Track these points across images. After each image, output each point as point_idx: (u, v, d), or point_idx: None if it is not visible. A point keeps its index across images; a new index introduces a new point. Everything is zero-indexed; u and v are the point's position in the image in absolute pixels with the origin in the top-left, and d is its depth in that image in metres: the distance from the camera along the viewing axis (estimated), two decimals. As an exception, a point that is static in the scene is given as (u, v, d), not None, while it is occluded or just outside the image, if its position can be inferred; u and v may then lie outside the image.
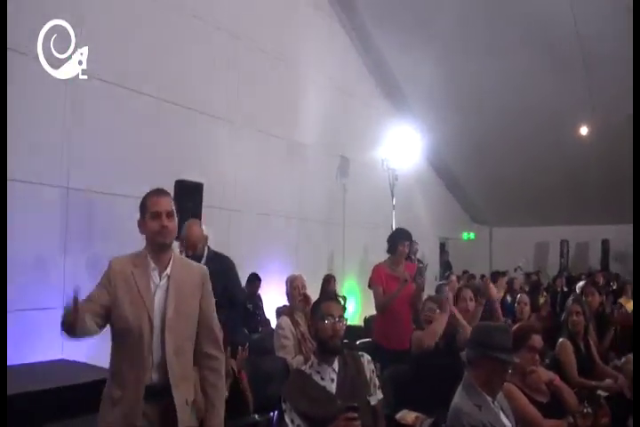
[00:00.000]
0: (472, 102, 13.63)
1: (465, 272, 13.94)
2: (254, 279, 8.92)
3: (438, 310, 5.01)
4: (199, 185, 7.64)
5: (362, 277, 10.85)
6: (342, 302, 3.66)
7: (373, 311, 6.51)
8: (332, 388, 3.45)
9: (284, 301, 6.03)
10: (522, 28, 11.40)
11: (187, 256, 4.67)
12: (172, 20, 8.25)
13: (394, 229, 8.56)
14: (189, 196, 7.27)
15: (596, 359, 5.51)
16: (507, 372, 3.33)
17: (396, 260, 6.15)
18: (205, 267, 3.35)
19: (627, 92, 11.81)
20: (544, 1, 10.84)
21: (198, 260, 4.80)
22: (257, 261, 9.24)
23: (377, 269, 6.19)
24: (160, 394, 2.97)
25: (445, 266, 16.56)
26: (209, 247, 5.64)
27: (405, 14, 11.92)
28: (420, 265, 6.09)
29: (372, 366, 3.72)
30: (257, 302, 9.01)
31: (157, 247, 3.08)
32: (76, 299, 2.78)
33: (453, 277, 10.74)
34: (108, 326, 3.02)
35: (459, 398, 3.25)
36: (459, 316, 5.37)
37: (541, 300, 9.27)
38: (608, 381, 5.13)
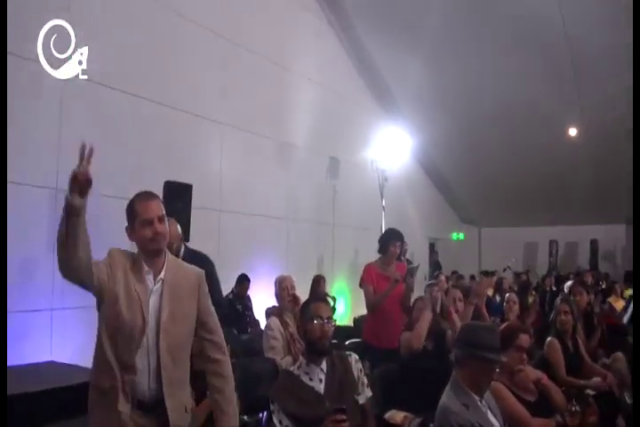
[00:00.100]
0: (461, 103, 13.67)
1: (454, 272, 13.97)
2: (244, 280, 8.91)
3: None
4: (188, 186, 7.63)
5: (351, 278, 10.86)
6: (332, 303, 3.66)
7: (363, 312, 6.52)
8: (321, 388, 3.46)
9: (273, 302, 6.04)
10: (510, 30, 11.42)
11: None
12: (159, 20, 8.24)
13: (384, 229, 8.58)
14: (179, 197, 7.26)
15: (585, 358, 5.53)
16: (494, 371, 3.34)
17: (387, 260, 6.17)
18: (200, 269, 3.22)
19: (615, 93, 11.93)
20: (533, 2, 10.85)
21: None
22: (246, 262, 9.24)
23: (368, 269, 6.20)
24: (158, 405, 2.86)
25: (435, 266, 16.58)
26: (186, 246, 5.58)
27: (394, 16, 11.93)
28: (411, 266, 6.10)
29: (360, 365, 3.73)
30: (246, 302, 9.00)
31: (151, 253, 2.96)
32: (88, 152, 2.76)
33: (442, 278, 10.77)
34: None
35: (446, 398, 3.26)
36: (454, 316, 5.40)
37: (530, 299, 9.30)
38: (596, 379, 5.15)
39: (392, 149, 11.96)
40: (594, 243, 17.79)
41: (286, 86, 10.91)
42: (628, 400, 4.94)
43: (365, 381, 3.72)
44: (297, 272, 7.29)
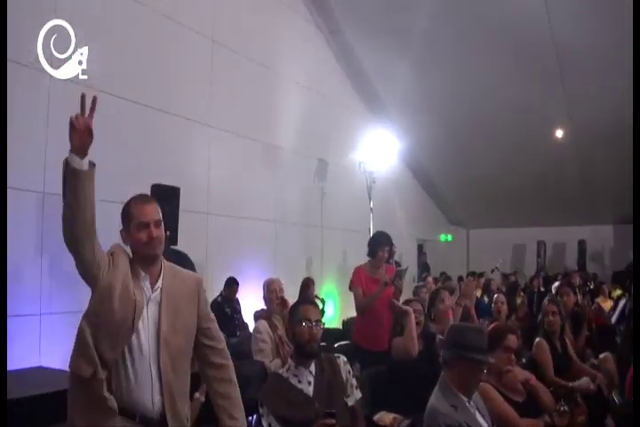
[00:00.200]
0: (448, 105, 13.70)
1: (442, 274, 14.01)
2: (232, 283, 8.89)
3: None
4: (176, 189, 7.61)
5: (340, 281, 10.87)
6: (321, 305, 3.68)
7: (352, 314, 6.54)
8: (310, 391, 3.46)
9: (262, 305, 6.03)
10: (496, 31, 11.44)
11: None
12: (147, 24, 8.23)
13: (372, 231, 8.60)
14: (166, 200, 7.22)
15: (573, 358, 5.55)
16: (482, 372, 3.35)
17: (376, 263, 6.20)
18: (198, 275, 3.16)
19: (602, 92, 11.98)
20: (518, 3, 10.89)
21: None
22: (235, 265, 9.23)
23: (357, 272, 6.23)
24: (163, 419, 2.75)
25: (423, 267, 16.63)
26: (166, 245, 5.55)
27: (382, 19, 11.95)
28: (399, 268, 6.13)
29: (349, 367, 3.74)
30: (235, 306, 8.98)
31: (146, 259, 2.84)
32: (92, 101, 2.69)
33: (430, 279, 10.80)
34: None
35: (435, 399, 3.27)
36: (450, 317, 5.44)
37: (518, 300, 9.33)
38: (585, 379, 5.16)
39: (380, 151, 11.97)
40: (581, 244, 17.85)
41: (274, 89, 10.91)
42: (617, 400, 4.96)
43: (354, 383, 3.72)
44: (285, 275, 7.29)
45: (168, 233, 5.51)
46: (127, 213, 2.86)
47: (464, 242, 20.42)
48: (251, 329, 6.67)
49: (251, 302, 8.70)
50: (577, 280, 11.29)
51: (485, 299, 9.50)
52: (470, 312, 6.15)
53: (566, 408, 3.88)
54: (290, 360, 3.65)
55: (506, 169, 15.38)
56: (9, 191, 6.11)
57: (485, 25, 11.43)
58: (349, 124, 13.04)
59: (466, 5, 11.22)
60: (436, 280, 11.57)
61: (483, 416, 3.33)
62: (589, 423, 4.33)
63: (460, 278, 14.01)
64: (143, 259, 2.84)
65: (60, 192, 6.66)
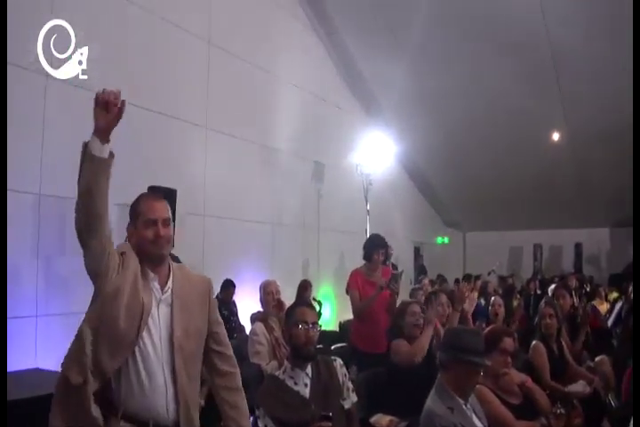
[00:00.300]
0: (444, 107, 13.69)
1: (439, 276, 14.01)
2: (229, 285, 8.88)
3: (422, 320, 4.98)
4: (173, 191, 7.59)
5: (337, 283, 10.87)
6: (318, 307, 3.69)
7: (349, 316, 6.53)
8: (306, 393, 3.46)
9: (258, 307, 6.03)
10: (491, 31, 11.43)
11: None
12: (143, 25, 8.22)
13: (369, 234, 8.59)
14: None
15: (569, 361, 5.54)
16: (479, 375, 3.35)
17: (372, 266, 6.22)
18: (208, 277, 3.03)
19: (597, 93, 11.99)
20: (514, 4, 10.89)
21: None
22: (231, 267, 9.21)
23: (354, 275, 6.25)
24: None
25: (420, 270, 16.61)
26: None
27: (378, 22, 11.96)
28: (395, 272, 6.14)
29: (345, 370, 3.74)
30: (231, 308, 8.97)
31: (152, 259, 2.72)
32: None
33: (426, 281, 10.82)
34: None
35: (431, 401, 3.27)
36: (439, 326, 5.44)
37: (515, 303, 9.33)
38: (580, 383, 5.16)
39: (376, 153, 11.97)
40: (578, 246, 17.87)
41: (271, 91, 10.91)
42: (613, 403, 4.97)
43: (350, 386, 3.72)
44: (282, 277, 7.28)
45: None
46: (135, 210, 2.77)
47: (460, 244, 20.41)
48: (247, 331, 6.67)
49: (247, 304, 8.69)
50: (573, 283, 11.30)
51: (482, 301, 9.50)
52: (467, 316, 6.14)
53: (562, 411, 3.89)
54: (286, 362, 3.66)
55: (502, 171, 15.38)
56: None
57: (480, 26, 11.43)
58: (346, 127, 13.04)
59: (461, 7, 11.22)
60: (432, 283, 11.57)
61: (479, 419, 3.34)
62: (586, 426, 4.34)
63: (457, 281, 14.01)
64: (149, 258, 2.72)
65: (56, 194, 6.69)
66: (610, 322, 8.68)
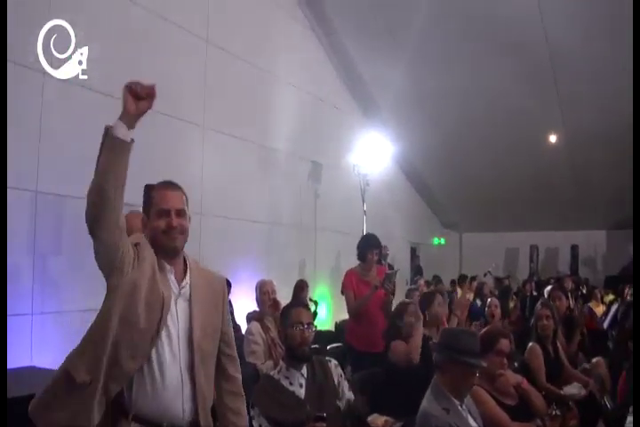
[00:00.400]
0: (441, 107, 13.68)
1: (435, 277, 14.03)
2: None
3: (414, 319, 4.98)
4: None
5: (333, 283, 10.85)
6: (314, 307, 3.69)
7: (345, 316, 6.53)
8: (301, 393, 3.47)
9: (254, 306, 6.02)
10: (489, 32, 11.41)
11: None
12: (140, 23, 8.19)
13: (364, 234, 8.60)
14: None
15: (565, 363, 5.55)
16: (474, 376, 3.35)
17: (367, 266, 6.21)
18: (223, 275, 2.96)
19: (595, 94, 11.99)
20: (511, 4, 10.89)
21: None
22: (227, 267, 9.18)
23: (348, 275, 6.25)
24: None
25: (416, 271, 16.63)
26: None
27: (376, 22, 11.95)
28: (388, 271, 6.13)
29: (340, 371, 3.74)
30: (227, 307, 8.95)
31: (166, 251, 2.59)
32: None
33: (421, 282, 10.83)
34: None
35: (427, 402, 3.27)
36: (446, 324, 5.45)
37: (511, 304, 9.35)
38: (576, 384, 5.16)
39: (374, 153, 11.97)
40: (574, 248, 17.88)
41: (268, 91, 10.89)
42: (609, 405, 4.97)
43: (346, 384, 3.73)
44: (278, 277, 7.28)
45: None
46: (149, 199, 2.68)
47: (457, 245, 20.42)
48: (243, 331, 6.66)
49: (243, 303, 8.68)
50: (569, 284, 11.31)
51: (478, 302, 9.51)
52: (462, 319, 6.16)
53: (558, 412, 3.90)
54: (281, 362, 3.66)
55: (499, 172, 15.38)
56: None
57: (478, 27, 11.42)
58: (344, 127, 13.03)
59: (460, 7, 11.21)
60: (428, 283, 11.58)
61: (474, 420, 3.34)
62: (581, 428, 4.34)
63: (453, 282, 14.03)
64: (163, 251, 2.59)
65: (54, 191, 6.68)
66: (605, 324, 8.70)
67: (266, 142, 10.71)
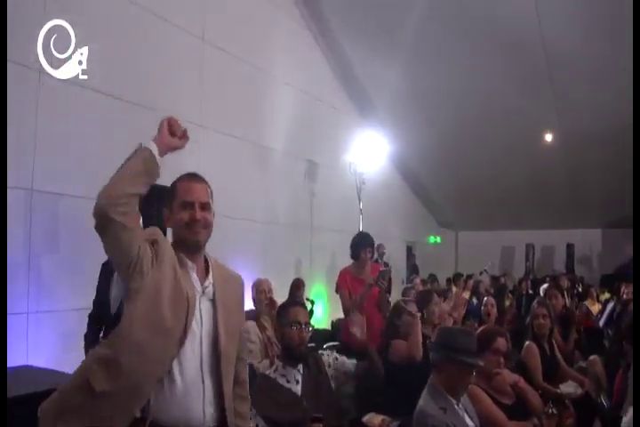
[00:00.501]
0: (437, 106, 13.68)
1: (430, 276, 14.02)
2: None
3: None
4: (166, 189, 7.56)
5: (330, 282, 10.82)
6: (311, 306, 3.69)
7: (341, 315, 6.52)
8: (298, 389, 3.48)
9: (250, 305, 6.01)
10: (486, 32, 11.42)
11: None
12: (136, 22, 8.18)
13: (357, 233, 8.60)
14: (158, 200, 7.19)
15: (560, 362, 5.55)
16: (471, 375, 3.35)
17: (360, 264, 6.20)
18: (238, 274, 2.84)
19: (591, 95, 12.00)
20: (508, 5, 10.88)
21: None
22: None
23: (342, 274, 6.24)
24: None
25: (412, 269, 16.62)
26: None
27: (372, 21, 11.94)
28: (381, 269, 6.13)
29: (333, 355, 3.73)
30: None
31: (188, 245, 2.49)
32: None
33: (417, 281, 10.82)
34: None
35: (424, 402, 3.27)
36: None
37: (507, 303, 9.35)
38: (572, 383, 5.17)
39: (370, 152, 11.97)
40: (570, 247, 17.89)
41: (264, 90, 10.88)
42: (605, 403, 4.97)
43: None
44: (274, 276, 7.26)
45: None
46: (171, 191, 2.58)
47: (453, 244, 20.43)
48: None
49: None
50: (565, 283, 11.33)
51: (474, 301, 9.51)
52: (457, 320, 6.17)
53: (554, 411, 3.89)
54: (277, 361, 3.65)
55: (495, 171, 15.39)
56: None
57: (475, 27, 11.41)
58: (339, 126, 13.03)
59: (456, 7, 11.21)
60: (424, 282, 11.58)
61: (471, 419, 3.34)
62: (577, 426, 4.34)
63: (449, 280, 14.03)
64: (185, 245, 2.49)
65: (49, 190, 6.66)
66: (601, 322, 8.69)
67: (262, 141, 10.71)
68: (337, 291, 6.30)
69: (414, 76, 12.91)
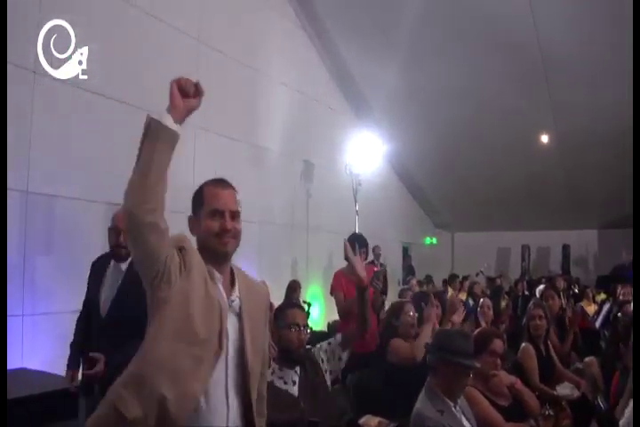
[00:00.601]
0: (433, 107, 13.70)
1: (427, 277, 14.03)
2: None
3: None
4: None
5: (326, 283, 10.81)
6: (307, 308, 3.67)
7: (337, 317, 6.51)
8: (295, 390, 3.46)
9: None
10: (482, 33, 11.44)
11: (112, 248, 4.00)
12: (133, 23, 8.17)
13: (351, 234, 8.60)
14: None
15: (557, 363, 5.55)
16: (468, 377, 3.35)
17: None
18: (264, 285, 2.73)
19: (587, 97, 12.01)
20: (504, 5, 10.88)
21: (125, 258, 4.17)
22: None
23: (337, 276, 6.22)
24: None
25: (408, 270, 16.63)
26: None
27: (368, 22, 11.95)
28: (375, 269, 6.12)
29: (325, 347, 3.71)
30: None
31: (217, 256, 2.35)
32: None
33: (413, 282, 10.82)
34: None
35: (421, 404, 3.27)
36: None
37: (503, 304, 9.34)
38: (568, 384, 5.16)
39: (366, 153, 11.98)
40: (566, 248, 17.91)
41: (260, 90, 10.87)
42: (602, 405, 4.97)
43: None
44: (270, 277, 7.25)
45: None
46: (199, 197, 2.43)
47: (449, 245, 20.44)
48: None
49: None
50: (561, 284, 11.31)
51: (470, 302, 9.50)
52: (454, 323, 6.16)
53: (551, 413, 3.90)
54: (273, 363, 3.63)
55: (491, 172, 15.41)
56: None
57: (472, 27, 11.42)
58: (336, 126, 13.03)
59: (452, 8, 11.22)
60: (420, 283, 11.58)
61: (468, 420, 3.34)
62: (574, 428, 4.35)
63: (445, 282, 14.03)
64: (212, 255, 2.34)
65: (44, 192, 6.64)
66: (597, 323, 8.69)
67: (258, 142, 10.70)
68: (332, 293, 6.28)
69: (410, 76, 12.91)
